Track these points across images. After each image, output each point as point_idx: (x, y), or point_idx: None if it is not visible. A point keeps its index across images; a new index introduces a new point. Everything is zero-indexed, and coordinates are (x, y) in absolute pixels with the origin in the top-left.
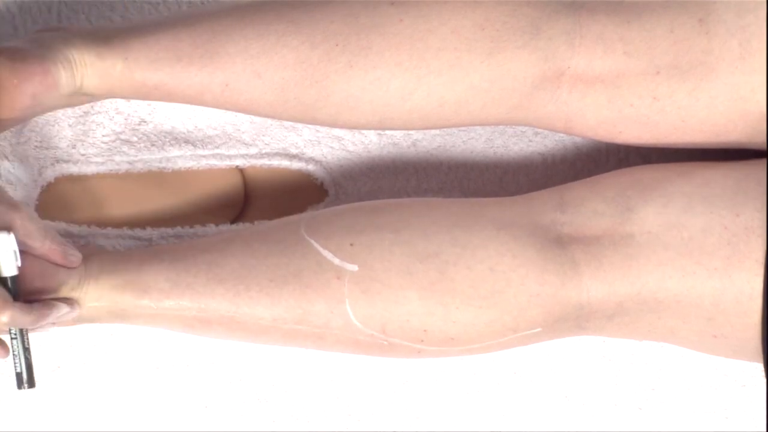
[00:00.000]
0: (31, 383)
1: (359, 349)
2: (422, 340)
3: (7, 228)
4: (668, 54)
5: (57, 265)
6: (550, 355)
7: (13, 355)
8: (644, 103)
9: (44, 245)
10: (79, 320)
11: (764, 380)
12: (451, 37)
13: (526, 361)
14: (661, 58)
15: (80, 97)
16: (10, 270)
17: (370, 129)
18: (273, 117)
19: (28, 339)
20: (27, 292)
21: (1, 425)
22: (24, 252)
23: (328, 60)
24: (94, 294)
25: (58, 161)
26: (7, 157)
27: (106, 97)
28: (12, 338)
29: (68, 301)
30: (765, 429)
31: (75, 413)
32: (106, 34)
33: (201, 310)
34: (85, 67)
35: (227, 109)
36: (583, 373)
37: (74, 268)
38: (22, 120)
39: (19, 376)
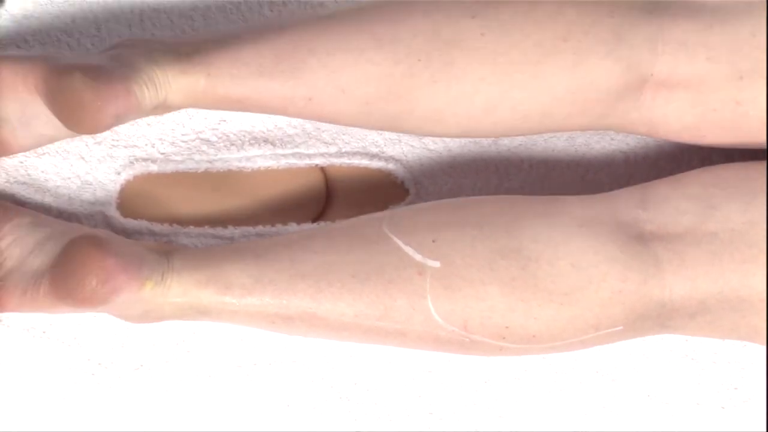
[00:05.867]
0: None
1: (440, 346)
2: (504, 337)
3: None
4: (750, 59)
5: None
6: (633, 354)
7: None
8: (727, 107)
9: None
10: (163, 317)
11: None
12: (534, 51)
13: (608, 360)
14: (743, 62)
15: (163, 110)
16: None
17: (455, 137)
18: (358, 126)
19: None
20: (111, 289)
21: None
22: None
23: (411, 75)
24: (177, 290)
25: (137, 160)
26: (84, 158)
27: (189, 108)
28: None
29: None
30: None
31: (157, 411)
32: (188, 49)
33: (283, 307)
34: (168, 85)
35: (311, 119)
36: (666, 371)
37: None
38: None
39: None
